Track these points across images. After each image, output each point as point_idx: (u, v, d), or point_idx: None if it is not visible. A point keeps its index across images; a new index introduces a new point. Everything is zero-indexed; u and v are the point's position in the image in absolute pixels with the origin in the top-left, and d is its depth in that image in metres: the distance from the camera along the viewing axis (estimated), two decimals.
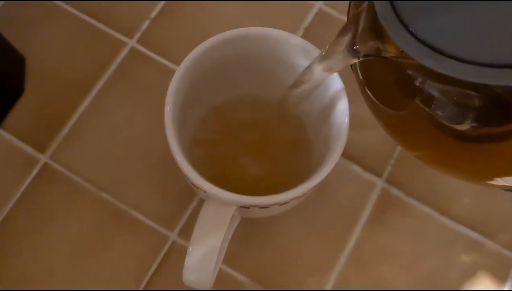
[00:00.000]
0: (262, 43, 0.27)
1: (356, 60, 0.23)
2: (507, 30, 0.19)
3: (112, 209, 0.34)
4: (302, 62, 0.28)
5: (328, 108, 0.27)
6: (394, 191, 0.35)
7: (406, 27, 0.20)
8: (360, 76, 0.26)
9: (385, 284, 0.33)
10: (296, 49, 0.27)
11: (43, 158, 0.34)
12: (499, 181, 0.25)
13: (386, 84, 0.25)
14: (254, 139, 0.29)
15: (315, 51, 0.27)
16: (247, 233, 0.34)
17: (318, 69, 0.24)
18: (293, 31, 0.37)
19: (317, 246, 0.34)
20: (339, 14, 0.38)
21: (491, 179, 0.25)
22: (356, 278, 0.33)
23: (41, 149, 0.34)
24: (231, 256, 0.33)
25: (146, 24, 0.38)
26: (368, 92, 0.25)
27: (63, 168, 0.34)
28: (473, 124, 0.22)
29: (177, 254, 0.33)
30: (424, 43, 0.20)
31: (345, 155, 0.35)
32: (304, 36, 0.38)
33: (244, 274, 0.33)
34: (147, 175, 0.34)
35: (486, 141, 0.24)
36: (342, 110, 0.26)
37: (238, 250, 0.33)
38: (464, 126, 0.23)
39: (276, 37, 0.27)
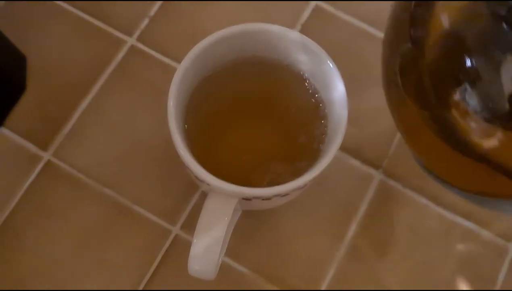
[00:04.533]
0: (261, 38, 0.28)
1: None
2: None
3: (114, 204, 0.34)
4: (301, 57, 0.28)
5: (330, 101, 0.28)
6: (392, 182, 0.35)
7: None
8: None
9: (384, 274, 0.34)
10: (294, 44, 0.28)
11: (46, 155, 0.35)
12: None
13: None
14: (259, 117, 0.29)
15: (313, 45, 0.28)
16: (249, 226, 0.34)
17: None
18: (290, 27, 0.38)
19: (317, 238, 0.34)
20: (336, 10, 0.39)
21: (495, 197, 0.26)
22: (355, 269, 0.34)
23: (44, 147, 0.35)
24: (233, 249, 0.34)
25: (145, 22, 0.38)
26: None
27: (65, 164, 0.35)
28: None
29: (180, 248, 0.34)
30: None
31: (343, 148, 0.36)
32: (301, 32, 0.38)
33: (246, 266, 0.34)
34: (148, 170, 0.35)
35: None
36: (341, 104, 0.27)
37: (240, 242, 0.34)
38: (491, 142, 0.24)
39: (274, 32, 0.28)
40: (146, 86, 0.37)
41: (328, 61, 0.27)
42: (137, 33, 0.38)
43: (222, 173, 0.27)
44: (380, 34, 0.39)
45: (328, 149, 0.26)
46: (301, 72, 0.29)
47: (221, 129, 0.29)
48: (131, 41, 0.38)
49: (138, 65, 0.37)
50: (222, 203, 0.25)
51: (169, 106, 0.26)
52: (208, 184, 0.25)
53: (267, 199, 0.26)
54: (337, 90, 0.27)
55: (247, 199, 0.26)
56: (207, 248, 0.25)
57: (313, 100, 0.29)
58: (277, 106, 0.29)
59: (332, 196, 0.35)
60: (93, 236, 0.34)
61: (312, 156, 0.28)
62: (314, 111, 0.29)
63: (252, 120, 0.29)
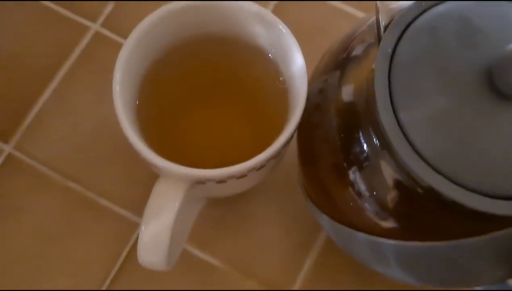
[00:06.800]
0: (216, 12, 0.26)
1: None
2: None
3: (79, 198, 0.33)
4: (260, 30, 0.27)
5: (290, 75, 0.26)
6: None
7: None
8: None
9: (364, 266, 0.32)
10: (252, 17, 0.26)
11: (7, 148, 0.33)
12: None
13: None
14: (218, 96, 0.28)
15: (271, 17, 0.26)
16: (221, 217, 0.33)
17: None
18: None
19: (294, 228, 0.33)
20: None
21: None
22: (333, 258, 0.32)
23: (4, 139, 0.34)
24: (204, 241, 0.32)
25: (110, 7, 0.37)
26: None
27: (28, 157, 0.33)
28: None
29: None
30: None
31: None
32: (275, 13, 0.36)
33: (218, 258, 0.32)
34: (114, 161, 0.33)
35: None
36: (300, 78, 0.25)
37: (211, 234, 0.32)
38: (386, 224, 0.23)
39: (229, 5, 0.26)
40: (111, 74, 0.35)
41: (286, 34, 0.25)
42: (101, 19, 0.36)
43: (179, 157, 0.25)
44: (357, 13, 0.37)
45: (286, 126, 0.24)
46: (260, 47, 0.27)
47: (177, 109, 0.27)
48: (95, 27, 0.36)
49: (103, 52, 0.36)
50: (172, 187, 0.23)
51: (114, 82, 0.24)
52: (156, 166, 0.24)
53: (222, 181, 0.24)
54: (295, 63, 0.25)
55: (201, 183, 0.24)
56: (155, 236, 0.23)
57: (274, 75, 0.27)
58: (237, 83, 0.27)
59: None
60: (57, 231, 0.32)
61: (275, 134, 0.26)
62: (275, 87, 0.27)
63: (211, 99, 0.27)
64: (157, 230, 0.23)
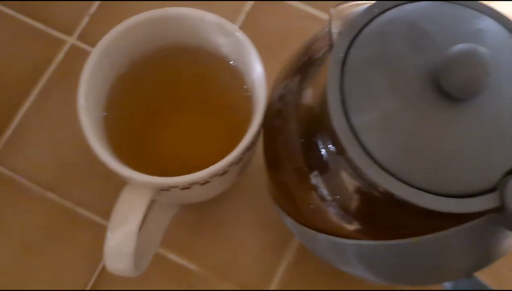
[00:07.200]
0: (178, 23, 0.27)
1: None
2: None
3: (58, 208, 0.33)
4: (221, 40, 0.27)
5: (252, 82, 0.27)
6: None
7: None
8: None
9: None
10: (213, 27, 0.27)
11: None
12: None
13: None
14: (184, 105, 0.28)
15: (230, 26, 0.26)
16: (196, 221, 0.33)
17: None
18: (234, 16, 0.37)
19: (269, 230, 0.33)
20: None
21: None
22: (309, 259, 0.32)
23: None
24: (179, 245, 0.33)
25: (85, 20, 0.37)
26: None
27: (7, 170, 0.34)
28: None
29: None
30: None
31: None
32: (244, 22, 0.37)
33: (194, 262, 0.32)
34: (91, 171, 0.34)
35: None
36: (259, 84, 0.25)
37: (186, 238, 0.33)
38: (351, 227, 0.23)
39: (191, 16, 0.27)
40: None
41: (244, 42, 0.26)
42: (77, 32, 0.37)
43: (148, 165, 0.26)
44: (325, 16, 0.38)
45: (246, 133, 0.25)
46: (224, 55, 0.28)
47: (144, 119, 0.28)
48: (71, 40, 0.37)
49: (79, 65, 0.36)
50: (137, 195, 0.24)
51: (79, 96, 0.25)
52: (120, 175, 0.24)
53: (186, 188, 0.25)
54: (255, 70, 0.26)
55: (165, 189, 0.25)
56: (120, 243, 0.23)
57: (238, 83, 0.28)
58: (203, 92, 0.28)
59: None
60: (37, 241, 0.33)
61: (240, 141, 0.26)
62: (240, 95, 0.28)
63: (178, 108, 0.28)
64: (123, 237, 0.23)
